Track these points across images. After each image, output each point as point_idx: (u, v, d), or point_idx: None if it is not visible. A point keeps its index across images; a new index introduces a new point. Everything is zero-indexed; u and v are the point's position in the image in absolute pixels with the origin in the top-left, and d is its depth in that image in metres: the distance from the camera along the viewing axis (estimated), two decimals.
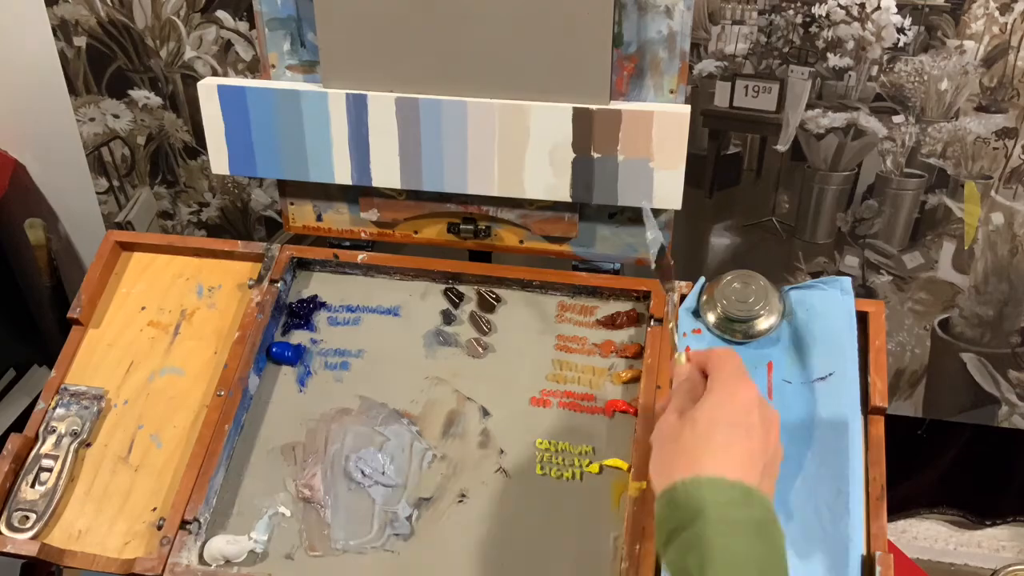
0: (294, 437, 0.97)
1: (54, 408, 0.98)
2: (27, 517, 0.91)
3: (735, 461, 0.65)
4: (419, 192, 1.06)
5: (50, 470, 0.94)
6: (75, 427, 0.96)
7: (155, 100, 1.50)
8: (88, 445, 0.97)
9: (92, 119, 1.54)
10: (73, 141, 1.58)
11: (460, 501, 0.91)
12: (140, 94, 1.50)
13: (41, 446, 0.95)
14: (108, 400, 0.99)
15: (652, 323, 0.98)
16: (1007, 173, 1.33)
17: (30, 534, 0.90)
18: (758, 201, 1.43)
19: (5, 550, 0.89)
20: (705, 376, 0.73)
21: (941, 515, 1.84)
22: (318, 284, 1.08)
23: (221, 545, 0.88)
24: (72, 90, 1.51)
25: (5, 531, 0.90)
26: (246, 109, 1.02)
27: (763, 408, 0.69)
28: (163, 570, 0.87)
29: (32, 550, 0.89)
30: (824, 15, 1.25)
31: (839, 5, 1.24)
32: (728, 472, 0.64)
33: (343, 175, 1.04)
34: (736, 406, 0.68)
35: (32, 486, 0.93)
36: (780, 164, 1.39)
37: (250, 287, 1.05)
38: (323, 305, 1.06)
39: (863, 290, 1.46)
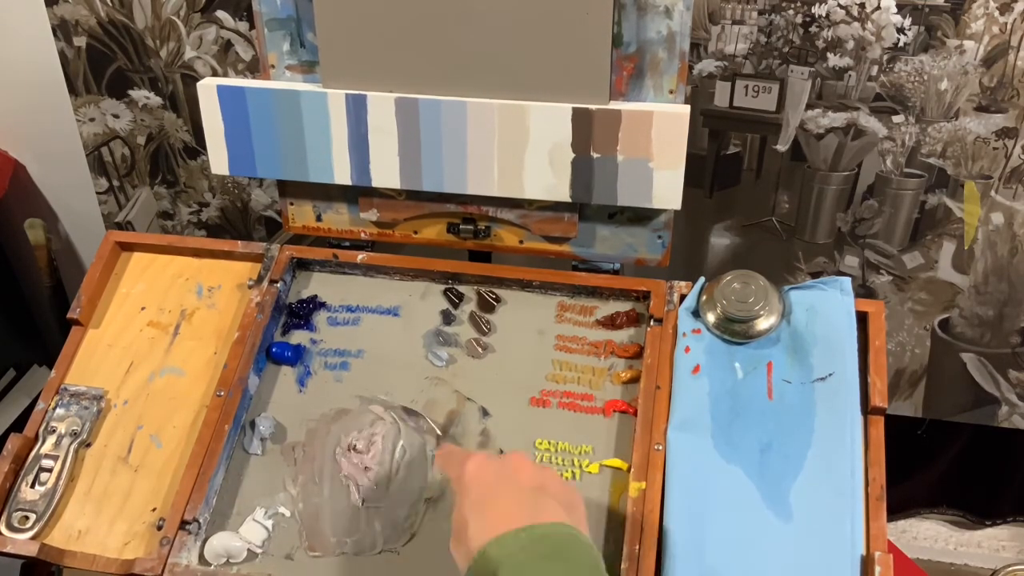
0: (294, 437, 0.97)
1: (54, 408, 0.98)
2: (27, 517, 0.91)
3: (505, 514, 0.68)
4: (419, 192, 1.06)
5: (50, 470, 0.94)
6: (75, 427, 0.96)
7: (155, 100, 1.50)
8: (88, 445, 0.97)
9: (92, 119, 1.54)
10: (73, 141, 1.58)
11: None
12: (140, 94, 1.50)
13: (41, 446, 0.95)
14: (108, 400, 0.99)
15: (652, 323, 0.98)
16: (1007, 173, 1.33)
17: (30, 534, 0.90)
18: (758, 201, 1.43)
19: (5, 550, 0.89)
20: None
21: (941, 515, 1.84)
22: (318, 284, 1.08)
23: (225, 540, 0.88)
24: (72, 90, 1.51)
25: (5, 531, 0.90)
26: (246, 109, 1.02)
27: (495, 467, 0.73)
28: (163, 570, 0.87)
29: (32, 550, 0.89)
30: (824, 15, 1.25)
31: (839, 5, 1.24)
32: (504, 526, 0.67)
33: (343, 175, 1.04)
34: (469, 487, 0.72)
35: (32, 486, 0.93)
36: (780, 164, 1.39)
37: (250, 287, 1.05)
38: (323, 305, 1.06)
39: (863, 290, 1.46)
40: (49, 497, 0.92)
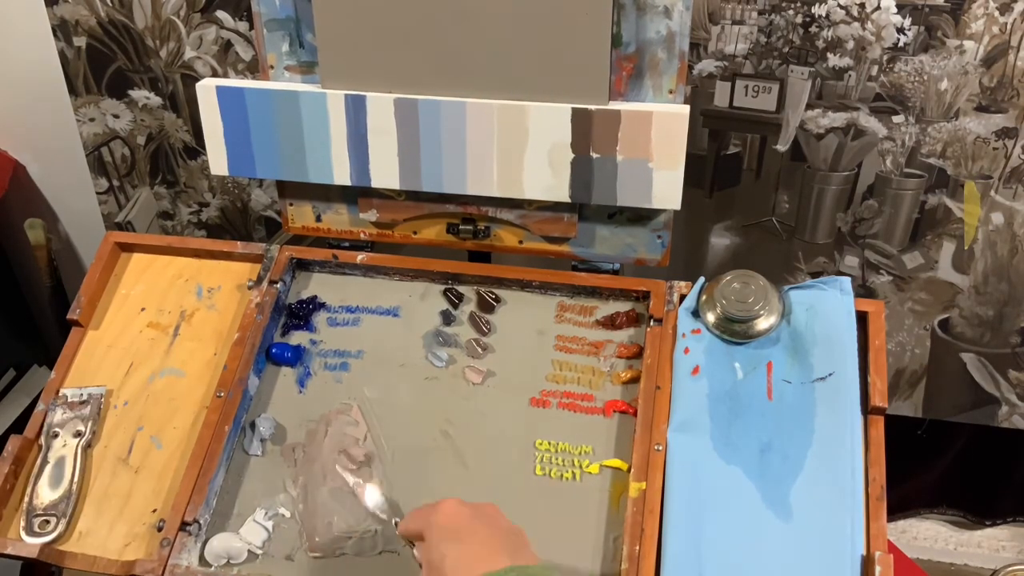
0: (294, 438, 0.97)
1: (54, 409, 0.98)
2: (47, 521, 0.91)
3: (488, 549, 0.69)
4: (418, 193, 1.06)
5: (62, 472, 0.93)
6: (75, 429, 0.96)
7: (155, 100, 1.50)
8: (88, 446, 0.97)
9: (92, 119, 1.54)
10: (73, 141, 1.58)
11: None
12: (140, 94, 1.50)
13: (48, 450, 0.95)
14: (108, 401, 0.99)
15: (652, 323, 0.98)
16: (1007, 173, 1.33)
17: (52, 536, 0.90)
18: (758, 201, 1.43)
19: (6, 551, 0.89)
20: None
21: (941, 515, 1.84)
22: (317, 285, 1.08)
23: (225, 541, 0.88)
24: (72, 90, 1.51)
25: (25, 536, 0.90)
26: (245, 110, 1.02)
27: (470, 508, 0.74)
28: (163, 571, 0.87)
29: (33, 552, 0.89)
30: (824, 15, 1.25)
31: (839, 5, 1.24)
32: (489, 561, 0.68)
33: (342, 176, 1.04)
34: (445, 525, 0.72)
35: (51, 487, 0.92)
36: (780, 164, 1.39)
37: (249, 288, 1.05)
38: (322, 306, 1.06)
39: (863, 290, 1.46)
40: (67, 500, 0.92)
